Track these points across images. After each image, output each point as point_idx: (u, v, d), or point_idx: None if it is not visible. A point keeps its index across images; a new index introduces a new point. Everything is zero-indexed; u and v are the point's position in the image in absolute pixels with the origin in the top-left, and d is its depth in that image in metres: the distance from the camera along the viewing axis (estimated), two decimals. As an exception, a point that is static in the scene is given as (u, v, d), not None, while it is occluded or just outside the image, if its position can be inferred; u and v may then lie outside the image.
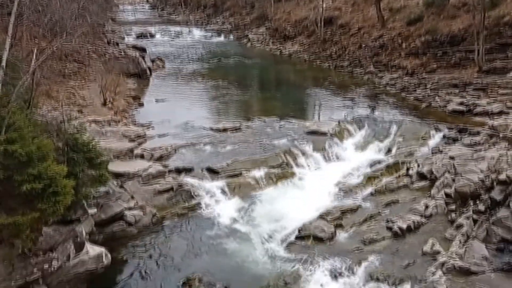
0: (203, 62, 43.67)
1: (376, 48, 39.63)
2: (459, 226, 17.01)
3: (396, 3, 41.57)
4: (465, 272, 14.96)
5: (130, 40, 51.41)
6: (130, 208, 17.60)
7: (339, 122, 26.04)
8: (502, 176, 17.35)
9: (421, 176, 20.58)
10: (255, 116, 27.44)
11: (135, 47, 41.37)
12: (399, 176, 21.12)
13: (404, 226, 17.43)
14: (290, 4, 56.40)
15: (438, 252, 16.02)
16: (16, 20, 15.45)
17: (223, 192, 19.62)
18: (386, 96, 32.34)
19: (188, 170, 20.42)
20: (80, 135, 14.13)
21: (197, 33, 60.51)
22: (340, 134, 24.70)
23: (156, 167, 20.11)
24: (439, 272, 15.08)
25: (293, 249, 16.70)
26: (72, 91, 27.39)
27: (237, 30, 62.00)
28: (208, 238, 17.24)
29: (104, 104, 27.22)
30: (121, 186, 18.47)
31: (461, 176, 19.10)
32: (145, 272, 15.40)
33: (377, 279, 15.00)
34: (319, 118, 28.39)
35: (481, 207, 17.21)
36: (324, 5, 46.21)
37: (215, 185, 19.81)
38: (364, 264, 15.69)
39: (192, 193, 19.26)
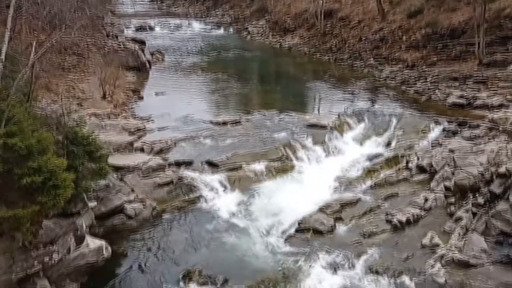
0: (203, 55, 43.52)
1: (376, 41, 39.49)
2: (458, 219, 17.07)
3: (396, -5, 41.37)
4: (464, 265, 15.04)
5: (129, 32, 51.15)
6: (130, 201, 17.64)
7: (339, 115, 26.02)
8: (502, 169, 17.39)
9: (421, 169, 20.62)
10: (255, 109, 27.39)
11: (134, 40, 41.14)
12: (399, 169, 21.15)
13: (404, 219, 17.49)
14: (290, -4, 56.07)
15: (437, 245, 16.09)
16: (15, 12, 15.40)
17: (223, 185, 19.65)
18: (386, 89, 32.28)
19: (188, 163, 20.44)
20: (79, 128, 14.13)
21: (197, 25, 60.22)
22: (340, 127, 24.69)
23: (156, 160, 20.13)
24: (438, 265, 15.16)
25: (293, 242, 16.76)
26: (72, 84, 27.31)
27: (236, 23, 61.73)
28: (208, 231, 17.29)
29: (104, 97, 27.17)
30: (121, 179, 18.50)
31: (461, 169, 19.13)
32: (145, 264, 15.47)
33: (377, 272, 15.08)
34: (319, 111, 28.36)
35: (481, 200, 17.26)
36: (324, -2, 45.99)
37: (215, 178, 19.83)
38: (363, 256, 15.77)
39: (192, 187, 19.28)
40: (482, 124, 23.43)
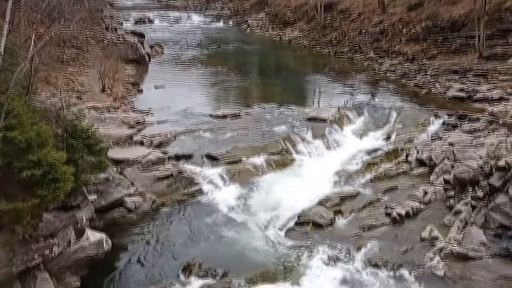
0: (202, 48, 43.38)
1: (377, 34, 39.35)
2: (458, 212, 17.11)
3: (397, -12, 41.15)
4: (463, 258, 15.10)
5: (128, 25, 50.95)
6: (130, 195, 17.66)
7: (339, 108, 25.99)
8: (501, 163, 17.40)
9: (420, 162, 20.63)
10: (254, 103, 27.36)
11: (133, 33, 40.95)
12: (399, 162, 21.17)
13: (403, 212, 17.53)
14: (290, -11, 55.76)
15: (436, 238, 16.14)
16: (13, 5, 15.30)
17: (223, 178, 19.66)
18: (386, 82, 32.22)
19: (187, 157, 20.44)
20: (79, 121, 14.09)
21: (196, 18, 59.95)
22: (340, 120, 24.68)
23: (156, 153, 20.12)
24: (437, 258, 15.22)
25: (293, 235, 16.81)
26: (71, 77, 27.24)
27: (236, 16, 61.44)
28: (208, 225, 17.33)
29: (103, 90, 27.11)
30: (121, 173, 18.51)
31: (460, 162, 19.14)
32: (145, 257, 15.52)
33: (376, 265, 15.14)
34: (318, 105, 28.32)
35: (480, 193, 17.29)
36: (324, -10, 45.74)
37: (215, 171, 19.84)
38: (363, 250, 15.82)
39: (192, 180, 19.30)
40: (482, 117, 23.42)
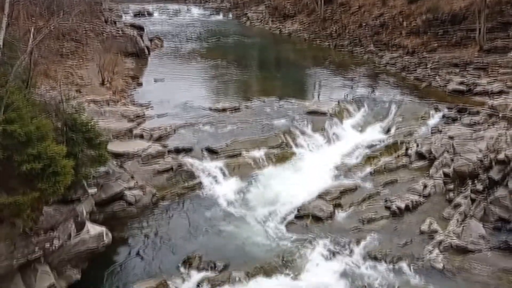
0: (202, 41, 43.27)
1: (377, 27, 39.22)
2: (457, 206, 17.14)
3: (397, -20, 40.95)
4: (462, 251, 15.14)
5: (127, 18, 50.82)
6: (130, 188, 17.67)
7: (338, 102, 25.95)
8: (501, 156, 17.40)
9: (420, 156, 20.64)
10: (254, 96, 27.32)
11: (133, 26, 40.83)
12: (398, 156, 21.18)
13: (403, 205, 17.56)
14: (290, -19, 55.46)
15: (435, 231, 16.18)
16: (12, -2, 15.20)
17: (223, 172, 19.67)
18: (386, 75, 32.17)
19: (187, 150, 20.44)
20: (78, 115, 14.08)
21: (196, 11, 59.75)
22: (339, 114, 24.66)
23: (156, 147, 20.12)
24: (436, 251, 15.27)
25: (292, 228, 16.85)
26: (70, 70, 27.19)
27: (236, 9, 61.21)
28: (208, 218, 17.37)
29: (103, 83, 27.06)
30: (121, 166, 18.51)
31: (460, 155, 19.15)
32: (146, 250, 15.56)
33: (375, 258, 15.18)
34: (318, 98, 28.29)
35: (479, 186, 17.30)
36: (324, -17, 45.53)
37: (215, 165, 19.85)
38: (362, 243, 15.86)
39: (192, 173, 19.31)
40: (482, 110, 23.41)
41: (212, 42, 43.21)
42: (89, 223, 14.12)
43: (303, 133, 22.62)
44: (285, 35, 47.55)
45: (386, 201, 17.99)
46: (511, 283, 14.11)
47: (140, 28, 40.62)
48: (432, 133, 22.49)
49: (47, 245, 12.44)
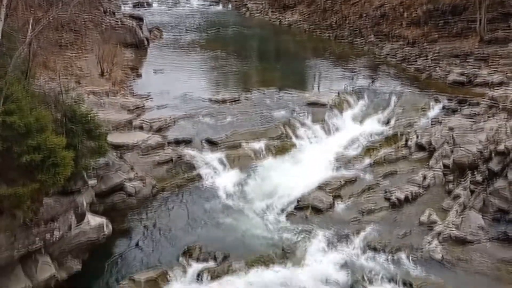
0: (202, 32, 43.03)
1: (377, 18, 38.98)
2: (456, 197, 17.18)
3: (398, -30, 40.64)
4: (461, 242, 15.22)
5: (126, 9, 50.43)
6: (130, 179, 17.69)
7: (338, 93, 25.90)
8: (501, 147, 17.42)
9: (420, 147, 20.64)
10: (254, 87, 27.23)
11: (132, 17, 40.50)
12: (398, 147, 21.18)
13: (402, 196, 17.61)
14: (290, -28, 55.07)
15: (434, 222, 16.24)
16: (10, -12, 15.10)
17: (223, 163, 19.69)
18: (386, 66, 32.05)
19: (187, 142, 20.44)
20: (78, 106, 14.06)
21: (195, 2, 59.29)
22: (339, 105, 24.61)
23: (155, 138, 20.11)
24: (435, 241, 15.34)
25: (292, 219, 16.90)
26: (69, 61, 27.08)
27: (235, -1, 60.82)
28: (207, 209, 17.41)
29: (102, 75, 26.97)
30: (121, 158, 18.51)
31: (460, 147, 19.16)
32: (146, 241, 15.64)
33: (374, 249, 15.25)
34: (318, 89, 28.22)
35: (479, 177, 17.34)
36: (324, -27, 45.19)
37: (215, 156, 19.87)
38: (361, 233, 15.93)
39: (192, 165, 19.32)
40: (482, 102, 23.36)
41: (211, 32, 42.98)
42: (90, 214, 14.16)
43: (303, 124, 22.60)
44: (285, 26, 47.27)
45: (385, 192, 18.03)
46: (510, 273, 14.21)
47: (139, 19, 40.30)
48: (432, 124, 22.47)
49: (48, 236, 12.49)
